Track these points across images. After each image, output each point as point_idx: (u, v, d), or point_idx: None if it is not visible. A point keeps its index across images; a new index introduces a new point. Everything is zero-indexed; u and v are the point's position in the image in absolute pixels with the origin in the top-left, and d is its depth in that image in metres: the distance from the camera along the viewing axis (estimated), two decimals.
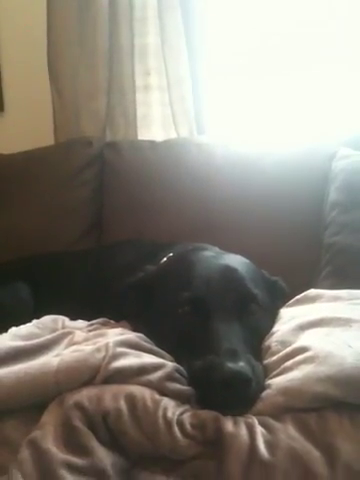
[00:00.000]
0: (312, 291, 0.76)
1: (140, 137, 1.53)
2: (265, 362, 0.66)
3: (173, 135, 1.50)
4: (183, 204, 1.22)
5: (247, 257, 0.83)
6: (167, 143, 1.36)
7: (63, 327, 0.75)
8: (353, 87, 1.35)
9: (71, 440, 0.55)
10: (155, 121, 1.55)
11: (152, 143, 1.38)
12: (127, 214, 1.32)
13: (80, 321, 0.79)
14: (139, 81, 1.55)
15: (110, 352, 0.60)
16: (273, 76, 1.42)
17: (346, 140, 1.16)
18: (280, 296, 0.78)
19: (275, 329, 0.70)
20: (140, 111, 1.54)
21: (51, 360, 0.62)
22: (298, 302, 0.76)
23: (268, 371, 0.64)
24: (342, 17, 1.37)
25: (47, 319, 0.78)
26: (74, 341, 0.68)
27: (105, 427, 0.57)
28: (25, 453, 0.55)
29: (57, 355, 0.64)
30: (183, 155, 1.28)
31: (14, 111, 1.70)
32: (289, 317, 0.71)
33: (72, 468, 0.54)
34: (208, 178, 1.21)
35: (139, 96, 1.54)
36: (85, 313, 0.82)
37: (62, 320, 0.79)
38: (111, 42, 1.54)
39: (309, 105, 1.39)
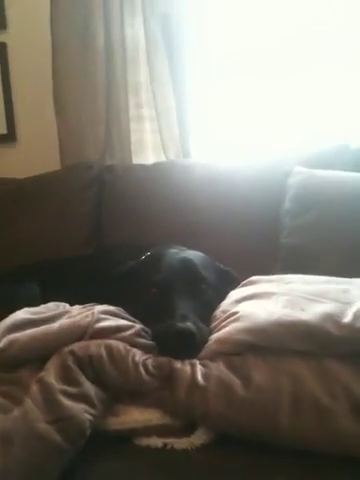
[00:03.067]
0: (254, 277, 1.02)
1: (134, 161, 1.78)
2: (212, 325, 0.92)
3: (162, 158, 1.77)
4: (169, 215, 1.48)
5: (219, 254, 1.10)
6: (156, 165, 1.62)
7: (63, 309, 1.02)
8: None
9: (66, 376, 0.81)
10: (147, 147, 1.80)
11: (143, 166, 1.65)
12: (123, 225, 1.57)
13: (77, 306, 1.06)
14: (132, 112, 1.81)
15: (95, 317, 0.87)
16: (246, 98, 1.70)
17: (301, 158, 1.42)
18: (231, 282, 1.04)
19: (222, 304, 0.96)
20: (134, 138, 1.79)
21: (53, 325, 0.88)
22: (243, 285, 1.01)
23: (214, 332, 0.90)
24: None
25: (51, 304, 1.04)
26: (71, 315, 0.94)
27: (91, 368, 0.82)
28: (34, 387, 0.81)
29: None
30: (169, 175, 1.54)
31: (25, 141, 1.95)
32: (233, 295, 0.97)
33: (67, 394, 0.79)
34: (190, 193, 1.47)
35: (133, 125, 1.80)
36: (84, 303, 1.09)
37: (63, 305, 1.05)
38: (108, 79, 1.78)
39: (274, 122, 1.66)
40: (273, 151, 1.55)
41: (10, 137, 1.94)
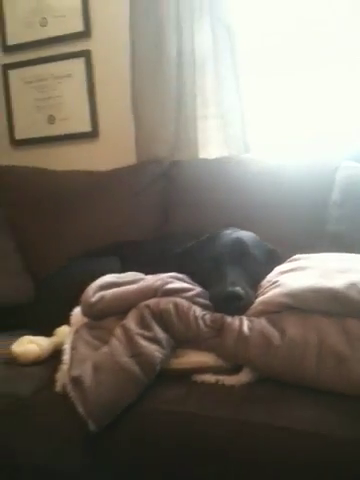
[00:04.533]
0: (296, 255, 1.23)
1: (200, 156, 1.98)
2: (258, 292, 1.14)
3: (225, 154, 2.00)
4: (227, 205, 1.71)
5: (269, 240, 1.32)
6: (217, 160, 1.84)
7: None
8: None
9: (143, 323, 1.07)
10: (211, 143, 2.01)
11: (206, 160, 1.87)
12: (187, 214, 1.82)
13: (150, 275, 1.32)
14: (199, 112, 1.99)
15: (164, 280, 1.12)
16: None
17: (350, 153, 1.60)
18: (276, 259, 1.25)
19: (268, 276, 1.19)
20: (200, 135, 1.99)
21: (133, 286, 1.15)
22: (288, 261, 1.23)
23: (259, 296, 1.13)
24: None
25: (130, 273, 1.30)
26: (145, 280, 1.21)
27: (161, 319, 1.08)
28: (118, 330, 1.08)
29: None
30: (229, 169, 1.76)
31: (106, 138, 2.19)
32: (277, 269, 1.19)
33: (143, 337, 1.05)
34: (246, 185, 1.69)
35: (199, 124, 1.99)
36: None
37: (139, 274, 1.32)
38: (178, 83, 1.99)
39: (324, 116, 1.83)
40: (322, 146, 1.73)
41: (93, 134, 2.21)
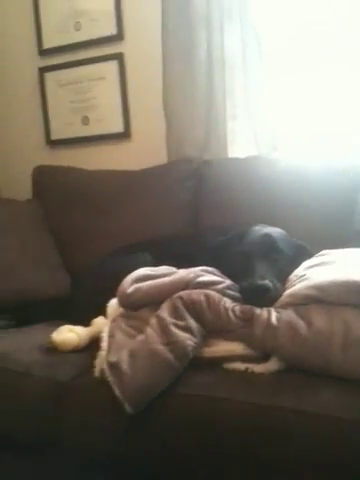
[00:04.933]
0: (324, 251, 1.28)
1: (229, 156, 2.07)
2: (286, 286, 1.20)
3: (254, 153, 2.05)
4: (257, 203, 1.76)
5: (297, 238, 1.37)
6: (247, 160, 1.89)
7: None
8: None
9: (176, 313, 1.14)
10: (241, 143, 2.07)
11: (236, 160, 1.93)
12: (217, 212, 1.88)
13: (182, 269, 1.39)
14: (229, 112, 2.04)
15: (196, 273, 1.19)
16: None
17: None
18: (305, 254, 1.31)
19: (296, 270, 1.24)
20: (229, 135, 2.07)
21: (166, 278, 1.22)
22: (315, 256, 1.28)
23: (287, 289, 1.18)
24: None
25: (163, 266, 1.38)
26: (178, 273, 1.28)
27: (193, 310, 1.15)
28: (153, 320, 1.15)
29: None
30: (257, 168, 1.82)
31: (138, 138, 2.27)
32: (305, 263, 1.24)
33: (176, 326, 1.12)
34: (273, 184, 1.74)
35: (229, 124, 2.04)
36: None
37: (172, 268, 1.39)
38: (208, 84, 2.07)
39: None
40: (350, 145, 1.77)
41: (126, 135, 2.29)
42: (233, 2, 2.02)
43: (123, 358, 1.09)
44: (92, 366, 1.17)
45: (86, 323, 1.40)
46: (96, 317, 1.41)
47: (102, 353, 1.15)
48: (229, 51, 2.08)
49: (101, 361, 1.14)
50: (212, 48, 2.07)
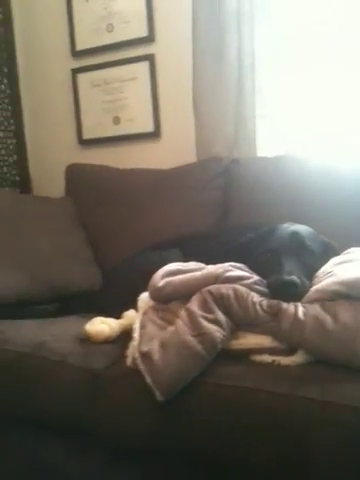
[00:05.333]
0: (351, 248, 1.31)
1: (258, 154, 2.11)
2: (314, 282, 1.24)
3: (283, 152, 2.08)
4: (285, 202, 1.80)
5: (324, 235, 1.41)
6: (275, 158, 1.93)
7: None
8: None
9: (205, 307, 1.19)
10: (269, 142, 2.13)
11: (264, 158, 1.97)
12: (246, 210, 1.92)
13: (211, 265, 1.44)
14: (258, 111, 2.08)
15: (225, 268, 1.24)
16: None
17: None
18: (332, 251, 1.34)
19: (323, 267, 1.28)
20: (258, 134, 2.13)
21: (196, 273, 1.27)
22: (343, 253, 1.32)
23: (314, 285, 1.22)
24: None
25: (192, 262, 1.43)
26: (207, 268, 1.33)
27: (222, 303, 1.19)
28: (183, 313, 1.21)
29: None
30: (286, 167, 1.84)
31: (168, 138, 2.33)
32: (332, 260, 1.28)
33: (206, 318, 1.17)
34: (302, 183, 1.77)
35: (258, 123, 2.08)
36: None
37: (201, 264, 1.44)
38: (238, 84, 2.13)
39: None
40: None
41: (156, 134, 2.35)
42: (263, 2, 2.07)
43: (154, 348, 1.15)
44: (124, 356, 1.23)
45: (117, 316, 1.46)
46: (127, 310, 1.47)
47: (134, 343, 1.20)
48: (259, 51, 2.12)
49: (133, 351, 1.20)
50: (242, 48, 2.10)
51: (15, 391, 1.37)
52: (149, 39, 2.33)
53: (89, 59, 2.49)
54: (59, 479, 1.33)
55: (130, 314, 1.45)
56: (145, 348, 1.16)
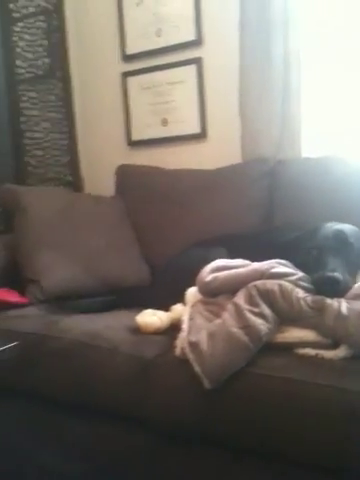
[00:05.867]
0: None
1: (303, 155, 2.14)
2: (358, 279, 1.29)
3: (328, 153, 2.11)
4: (330, 202, 1.82)
5: None
6: (319, 159, 1.97)
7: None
8: None
9: (251, 301, 1.26)
10: (314, 143, 2.18)
11: (309, 159, 2.01)
12: (291, 210, 1.97)
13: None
14: (303, 112, 2.11)
15: (271, 265, 1.31)
16: None
17: None
18: None
19: None
20: (303, 135, 2.15)
21: (242, 269, 1.34)
22: None
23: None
24: None
25: (238, 259, 1.50)
26: (253, 265, 1.39)
27: (267, 298, 1.26)
28: (230, 306, 1.28)
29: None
30: (329, 167, 1.88)
31: (214, 139, 2.40)
32: None
33: (251, 312, 1.23)
34: (347, 183, 1.81)
35: (303, 124, 2.11)
36: None
37: (247, 261, 1.51)
38: (284, 85, 2.17)
39: None
40: None
41: (202, 135, 2.43)
42: (309, 3, 2.11)
43: (202, 339, 1.22)
44: (173, 346, 1.31)
45: (165, 309, 1.55)
46: (174, 304, 1.56)
47: (183, 334, 1.28)
48: (305, 52, 2.17)
49: (182, 341, 1.28)
50: (288, 49, 2.15)
51: (70, 377, 1.47)
52: (197, 43, 2.41)
53: (138, 63, 2.59)
54: (111, 463, 1.43)
55: (178, 308, 1.53)
56: (194, 338, 1.24)
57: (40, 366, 1.50)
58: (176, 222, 2.13)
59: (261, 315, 1.23)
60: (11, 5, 2.50)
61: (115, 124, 2.69)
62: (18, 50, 2.51)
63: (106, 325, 1.52)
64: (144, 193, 2.27)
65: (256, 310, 1.24)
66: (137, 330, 1.47)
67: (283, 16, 2.14)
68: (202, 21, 2.40)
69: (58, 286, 1.82)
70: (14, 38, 2.50)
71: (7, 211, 2.17)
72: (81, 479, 1.47)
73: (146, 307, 1.55)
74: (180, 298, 1.52)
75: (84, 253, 1.91)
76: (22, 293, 1.85)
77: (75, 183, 2.72)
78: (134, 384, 1.35)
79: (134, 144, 2.65)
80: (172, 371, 1.29)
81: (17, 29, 2.52)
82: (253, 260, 1.45)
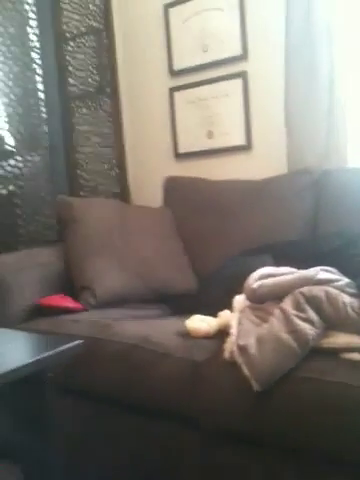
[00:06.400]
0: None
1: (349, 165, 2.17)
2: None
3: None
4: None
5: None
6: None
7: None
8: None
9: (298, 306, 1.31)
10: (359, 153, 2.22)
11: (355, 169, 2.05)
12: (337, 220, 2.00)
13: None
14: (349, 123, 2.15)
15: (317, 271, 1.36)
16: None
17: None
18: None
19: None
20: (349, 146, 2.21)
21: (288, 276, 1.40)
22: None
23: None
24: None
25: (284, 267, 1.56)
26: (299, 272, 1.45)
27: (313, 304, 1.31)
28: (277, 311, 1.33)
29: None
30: None
31: (259, 150, 2.46)
32: None
33: (298, 317, 1.29)
34: None
35: (349, 134, 2.14)
36: None
37: (292, 269, 1.56)
38: (329, 96, 2.23)
39: None
40: None
41: (248, 147, 2.50)
42: (353, 14, 2.16)
43: (251, 343, 1.29)
44: (222, 350, 1.38)
45: (213, 316, 1.61)
46: (221, 311, 1.62)
47: (232, 338, 1.35)
48: (350, 62, 2.21)
49: (231, 345, 1.34)
50: (333, 60, 2.20)
51: (123, 379, 1.55)
52: (242, 57, 2.49)
53: (185, 78, 2.69)
54: (161, 461, 1.50)
55: (225, 314, 1.59)
56: (242, 342, 1.30)
57: (95, 367, 1.59)
58: (222, 232, 2.20)
59: (308, 320, 1.28)
60: (64, 26, 2.65)
61: (162, 137, 2.80)
62: (70, 69, 2.67)
63: (156, 330, 1.60)
64: (191, 204, 2.36)
65: (303, 315, 1.29)
66: (187, 335, 1.54)
67: (328, 29, 2.19)
68: (247, 36, 2.48)
69: (110, 292, 1.92)
70: (67, 57, 2.65)
71: (60, 222, 2.30)
72: (132, 476, 1.55)
73: (194, 313, 1.62)
74: (225, 305, 1.58)
75: (134, 261, 2.01)
76: (75, 299, 1.95)
77: (123, 195, 2.84)
78: (185, 385, 1.42)
79: (180, 156, 2.74)
80: (221, 374, 1.35)
81: (69, 49, 2.68)
82: (299, 267, 1.51)
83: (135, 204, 2.77)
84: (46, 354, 1.02)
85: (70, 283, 2.03)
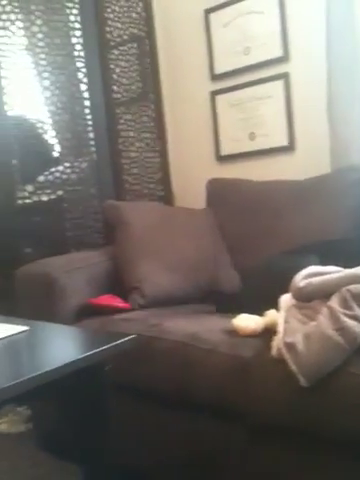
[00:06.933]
0: None
1: None
2: None
3: None
4: None
5: None
6: None
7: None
8: None
9: (345, 304, 1.33)
10: None
11: None
12: None
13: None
14: None
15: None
16: None
17: None
18: None
19: None
20: None
21: (334, 274, 1.42)
22: None
23: None
24: None
25: (331, 266, 1.57)
26: (345, 270, 1.47)
27: None
28: (324, 309, 1.36)
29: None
30: None
31: (302, 150, 2.49)
32: None
33: (346, 315, 1.30)
34: None
35: None
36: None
37: (338, 268, 1.58)
38: None
39: None
40: None
41: (290, 148, 2.53)
42: None
43: (298, 340, 1.32)
44: (269, 347, 1.42)
45: (259, 314, 1.64)
46: (268, 310, 1.65)
47: (279, 335, 1.38)
48: None
49: (278, 342, 1.37)
50: None
51: (172, 376, 1.61)
52: (284, 59, 2.52)
53: (226, 81, 2.74)
54: (210, 455, 1.55)
55: (272, 313, 1.62)
56: (289, 340, 1.34)
57: (145, 364, 1.66)
58: (266, 232, 2.23)
59: (355, 318, 1.30)
60: (108, 35, 2.74)
61: (204, 140, 2.85)
62: (114, 76, 2.76)
63: (204, 328, 1.65)
64: (234, 205, 2.40)
65: (350, 313, 1.31)
66: (234, 332, 1.58)
67: None
68: (288, 37, 2.50)
69: (157, 292, 1.99)
70: (111, 65, 2.74)
71: (108, 225, 2.38)
72: (181, 471, 1.60)
73: (240, 312, 1.66)
74: (269, 304, 1.61)
75: (180, 261, 2.07)
76: (124, 299, 2.03)
77: (167, 198, 2.91)
78: (232, 382, 1.46)
79: (222, 159, 2.79)
80: (269, 370, 1.39)
81: (113, 56, 2.77)
82: (345, 266, 1.52)
83: (181, 206, 2.82)
84: (102, 347, 1.09)
85: (118, 284, 2.10)
